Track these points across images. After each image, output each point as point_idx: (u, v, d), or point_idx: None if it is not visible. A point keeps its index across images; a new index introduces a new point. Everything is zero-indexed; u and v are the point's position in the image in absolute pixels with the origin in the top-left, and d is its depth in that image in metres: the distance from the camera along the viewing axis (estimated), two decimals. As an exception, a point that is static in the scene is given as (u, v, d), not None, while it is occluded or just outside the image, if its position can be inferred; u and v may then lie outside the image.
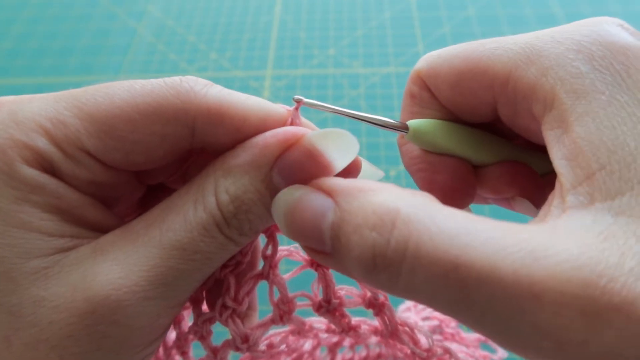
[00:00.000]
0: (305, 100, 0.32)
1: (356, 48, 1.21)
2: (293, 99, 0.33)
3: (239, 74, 1.18)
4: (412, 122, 0.35)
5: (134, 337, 0.28)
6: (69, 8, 1.39)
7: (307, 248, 0.29)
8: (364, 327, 0.36)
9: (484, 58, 0.31)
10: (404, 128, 0.34)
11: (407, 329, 0.36)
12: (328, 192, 0.27)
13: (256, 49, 1.24)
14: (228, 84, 1.14)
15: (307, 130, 0.31)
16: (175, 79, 0.30)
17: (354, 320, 0.36)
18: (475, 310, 0.22)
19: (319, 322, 0.38)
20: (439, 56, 0.34)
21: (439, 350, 0.36)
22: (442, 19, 1.25)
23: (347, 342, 0.54)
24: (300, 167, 0.30)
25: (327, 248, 0.26)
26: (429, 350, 0.36)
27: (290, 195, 0.28)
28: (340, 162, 0.31)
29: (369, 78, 1.15)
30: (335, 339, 0.48)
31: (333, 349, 0.54)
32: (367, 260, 0.24)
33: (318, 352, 0.50)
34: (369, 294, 0.36)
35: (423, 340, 0.36)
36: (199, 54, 1.23)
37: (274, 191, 0.30)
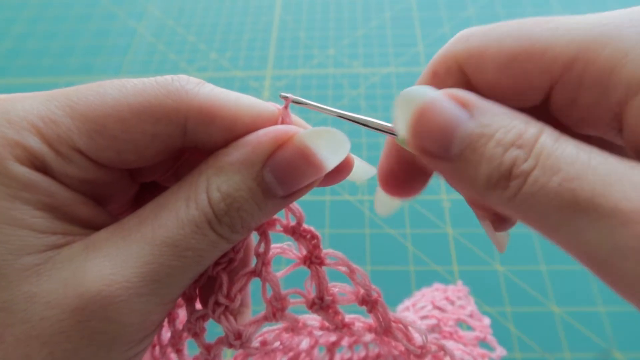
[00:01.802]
0: (293, 97, 0.32)
1: (356, 48, 1.21)
2: (280, 95, 0.33)
3: (239, 74, 1.18)
4: None
5: (126, 334, 0.28)
6: (69, 8, 1.39)
7: (422, 149, 0.29)
8: (358, 325, 0.36)
9: (543, 38, 0.28)
10: (391, 130, 0.33)
11: (400, 325, 0.36)
12: (464, 104, 0.27)
13: (256, 49, 1.24)
14: (228, 84, 1.14)
15: (299, 129, 0.31)
16: (167, 78, 0.30)
17: (348, 317, 0.36)
18: (579, 234, 0.23)
19: (312, 319, 0.38)
20: (485, 35, 0.31)
21: (433, 347, 0.36)
22: (442, 19, 1.25)
23: (346, 341, 0.54)
24: (291, 165, 0.30)
25: (450, 154, 0.27)
26: (422, 347, 0.36)
27: (422, 96, 0.28)
28: (331, 160, 0.31)
29: (369, 78, 1.15)
30: (332, 337, 0.48)
31: (331, 348, 0.54)
32: (503, 170, 0.25)
33: (316, 352, 0.50)
34: (362, 291, 0.36)
35: (417, 337, 0.36)
36: (199, 54, 1.23)
37: (265, 189, 0.30)
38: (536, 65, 0.29)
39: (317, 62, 1.19)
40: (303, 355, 0.48)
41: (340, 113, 0.33)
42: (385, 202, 0.35)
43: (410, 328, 0.36)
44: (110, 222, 0.31)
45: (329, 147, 0.30)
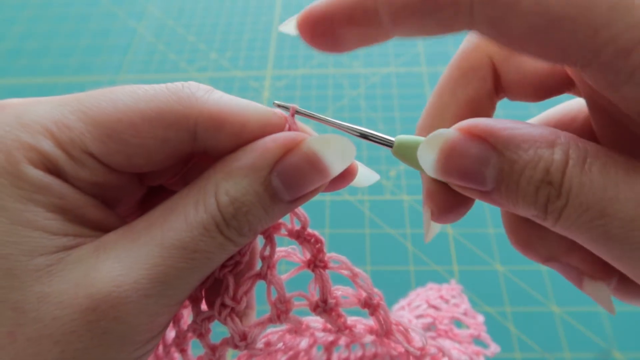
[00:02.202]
0: (298, 108, 0.33)
1: (356, 48, 1.21)
2: (274, 104, 0.33)
3: (239, 74, 1.18)
4: (401, 137, 0.33)
5: (134, 334, 0.29)
6: (69, 8, 1.39)
7: (458, 187, 0.30)
8: (359, 327, 0.36)
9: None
10: (389, 142, 0.33)
11: (401, 328, 0.37)
12: (485, 139, 0.28)
13: (256, 49, 1.24)
14: (228, 84, 1.15)
15: (306, 135, 0.32)
16: (177, 85, 0.31)
17: (350, 319, 0.37)
18: (618, 255, 0.26)
19: (315, 321, 0.39)
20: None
21: (433, 349, 0.37)
22: (442, 19, 1.25)
23: (343, 341, 0.55)
24: (298, 170, 0.30)
25: (486, 189, 0.29)
26: (422, 349, 0.36)
27: (442, 141, 0.29)
28: (337, 166, 0.31)
29: (369, 78, 1.15)
30: (331, 337, 0.49)
31: (329, 348, 0.55)
32: (540, 207, 0.27)
33: (314, 351, 0.51)
34: (364, 295, 0.36)
35: (417, 339, 0.37)
36: (199, 54, 1.23)
37: (272, 194, 0.30)
38: (580, 40, 0.25)
39: (317, 62, 1.19)
40: (302, 354, 0.48)
41: (342, 125, 0.33)
42: (434, 230, 0.36)
43: (410, 330, 0.37)
44: (119, 225, 0.31)
45: (335, 153, 0.31)
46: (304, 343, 0.48)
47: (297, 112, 0.33)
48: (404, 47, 1.21)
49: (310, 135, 0.32)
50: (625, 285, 0.32)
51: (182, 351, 0.42)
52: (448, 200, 0.33)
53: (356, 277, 0.36)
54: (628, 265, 0.26)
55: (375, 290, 0.36)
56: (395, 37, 0.29)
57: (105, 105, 0.29)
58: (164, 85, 0.31)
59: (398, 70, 1.16)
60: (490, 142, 0.28)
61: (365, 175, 0.35)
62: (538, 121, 0.37)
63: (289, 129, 0.33)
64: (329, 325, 0.37)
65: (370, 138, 0.33)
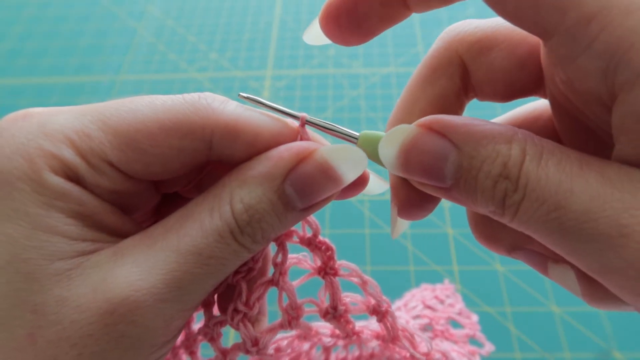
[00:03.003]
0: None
1: (356, 48, 1.22)
2: (239, 95, 0.35)
3: (238, 74, 1.18)
4: (365, 133, 0.34)
5: (150, 338, 0.29)
6: (69, 8, 1.39)
7: (418, 184, 0.31)
8: (367, 332, 0.38)
9: None
10: (353, 137, 0.34)
11: (407, 334, 0.38)
12: (444, 135, 0.29)
13: (256, 49, 1.24)
14: (228, 84, 1.15)
15: (319, 145, 0.32)
16: (194, 96, 0.32)
17: (357, 326, 0.38)
18: (572, 247, 0.26)
19: (323, 327, 0.40)
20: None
21: (437, 355, 0.38)
22: (442, 19, 1.26)
23: (341, 342, 0.56)
24: (311, 179, 0.31)
25: (445, 185, 0.29)
26: (427, 354, 0.38)
27: (402, 137, 0.30)
28: (349, 175, 0.32)
29: (369, 78, 1.16)
30: (341, 343, 0.50)
31: (327, 348, 0.56)
32: (497, 201, 0.27)
33: (314, 352, 0.52)
34: (373, 302, 0.37)
35: (422, 345, 0.38)
36: (199, 54, 1.23)
37: (285, 202, 0.31)
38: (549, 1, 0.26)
39: (317, 62, 1.20)
40: (303, 355, 0.49)
41: (291, 113, 0.34)
42: (401, 227, 0.36)
43: (415, 336, 0.38)
44: (135, 231, 0.32)
45: (348, 163, 0.32)
46: (306, 345, 0.48)
47: (309, 122, 0.34)
48: (404, 47, 1.21)
49: (322, 145, 0.33)
50: (590, 287, 0.32)
51: (192, 353, 0.42)
52: (413, 196, 0.34)
53: (366, 285, 0.37)
54: (582, 258, 0.26)
55: (384, 297, 0.37)
56: (414, 11, 0.31)
57: (125, 115, 0.30)
58: (180, 96, 0.32)
59: (398, 70, 1.16)
60: (449, 138, 0.28)
61: (376, 184, 0.36)
62: (505, 119, 0.38)
63: (301, 139, 0.34)
64: (336, 331, 0.38)
65: (336, 132, 0.34)
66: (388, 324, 0.37)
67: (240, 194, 0.31)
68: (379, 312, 0.37)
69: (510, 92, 0.35)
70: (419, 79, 0.35)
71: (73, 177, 0.29)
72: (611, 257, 0.25)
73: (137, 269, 0.29)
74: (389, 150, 0.30)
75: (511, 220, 0.28)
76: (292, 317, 0.36)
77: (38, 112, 0.31)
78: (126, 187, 0.32)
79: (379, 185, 0.36)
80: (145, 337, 0.29)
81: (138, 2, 1.39)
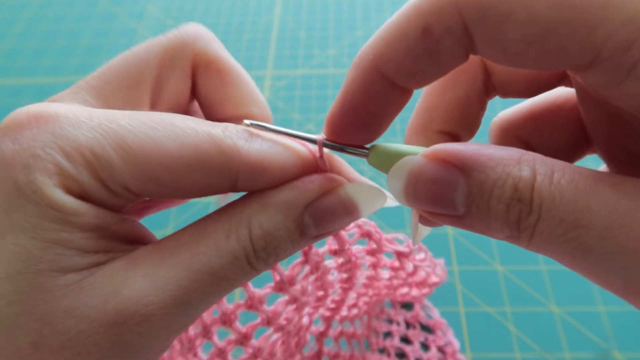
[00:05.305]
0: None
1: (356, 48, 1.21)
2: (243, 123, 0.33)
3: (238, 74, 1.18)
4: (377, 147, 0.33)
5: (152, 346, 0.30)
6: (69, 8, 1.40)
7: (428, 214, 0.30)
8: (360, 249, 0.47)
9: (591, 11, 0.24)
10: (364, 150, 0.33)
11: (389, 243, 0.48)
12: (452, 163, 0.28)
13: (256, 49, 1.24)
14: (228, 84, 1.15)
15: (343, 180, 0.33)
16: (219, 132, 0.31)
17: (353, 249, 0.46)
18: (593, 266, 0.25)
19: (330, 262, 0.47)
20: None
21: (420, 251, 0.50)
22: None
23: (332, 332, 0.64)
24: (332, 213, 0.32)
25: (458, 212, 0.28)
26: (408, 246, 0.49)
27: (408, 168, 0.30)
28: (367, 211, 0.33)
29: (368, 78, 1.15)
30: (328, 314, 0.59)
31: (320, 339, 0.63)
32: (512, 225, 0.27)
33: (307, 336, 0.59)
34: (365, 228, 0.46)
35: (402, 246, 0.49)
36: (199, 54, 1.23)
37: (302, 230, 0.32)
38: (578, 42, 0.24)
39: (317, 62, 1.19)
40: (298, 330, 0.54)
41: (306, 137, 0.33)
42: (422, 233, 0.36)
43: (395, 242, 0.49)
44: (148, 235, 0.33)
45: (369, 201, 0.33)
46: (305, 320, 0.54)
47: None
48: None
49: (345, 180, 0.34)
50: None
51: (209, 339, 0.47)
52: None
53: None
54: (605, 278, 0.26)
55: (371, 222, 0.46)
56: (413, 88, 0.31)
57: (148, 148, 0.29)
58: (205, 128, 0.30)
59: (398, 70, 1.16)
60: (457, 166, 0.28)
61: (391, 197, 0.36)
62: (524, 109, 0.37)
63: (319, 168, 0.34)
64: (339, 262, 0.46)
65: (347, 151, 0.34)
66: (374, 238, 0.46)
67: (260, 219, 0.31)
68: (369, 234, 0.46)
69: (535, 88, 0.35)
70: (438, 83, 0.35)
71: (90, 199, 0.29)
72: (636, 273, 0.24)
73: (148, 282, 0.29)
74: (397, 184, 0.30)
75: (528, 244, 0.27)
76: (305, 250, 0.43)
77: (52, 118, 0.29)
78: (142, 204, 0.33)
79: (388, 203, 0.36)
80: (149, 346, 0.30)
81: (138, 2, 1.39)
